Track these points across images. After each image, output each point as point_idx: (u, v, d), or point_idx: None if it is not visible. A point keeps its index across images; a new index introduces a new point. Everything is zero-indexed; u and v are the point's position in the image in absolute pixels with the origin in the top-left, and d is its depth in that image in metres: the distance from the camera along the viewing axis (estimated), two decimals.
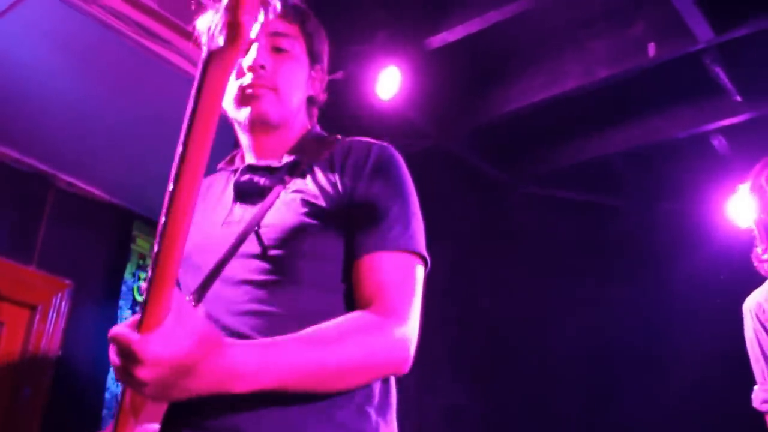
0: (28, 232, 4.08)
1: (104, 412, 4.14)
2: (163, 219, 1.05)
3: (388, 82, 3.94)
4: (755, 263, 2.64)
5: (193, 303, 1.41)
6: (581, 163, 4.93)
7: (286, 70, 1.59)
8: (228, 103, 1.58)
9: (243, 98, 1.56)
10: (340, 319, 1.34)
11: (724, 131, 4.58)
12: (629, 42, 4.02)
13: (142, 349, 1.07)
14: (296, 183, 1.49)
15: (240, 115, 1.57)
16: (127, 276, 4.45)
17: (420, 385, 4.30)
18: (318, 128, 1.70)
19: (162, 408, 1.34)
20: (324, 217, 1.43)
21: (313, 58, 1.67)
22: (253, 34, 1.04)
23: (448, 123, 4.62)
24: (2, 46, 3.25)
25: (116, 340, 1.11)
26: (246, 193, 1.54)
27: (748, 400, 2.58)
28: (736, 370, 2.79)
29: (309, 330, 1.29)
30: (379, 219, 1.44)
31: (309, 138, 1.64)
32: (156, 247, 1.06)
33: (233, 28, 1.01)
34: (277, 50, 1.59)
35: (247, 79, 1.55)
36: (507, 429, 5.20)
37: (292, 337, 1.27)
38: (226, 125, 1.47)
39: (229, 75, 1.05)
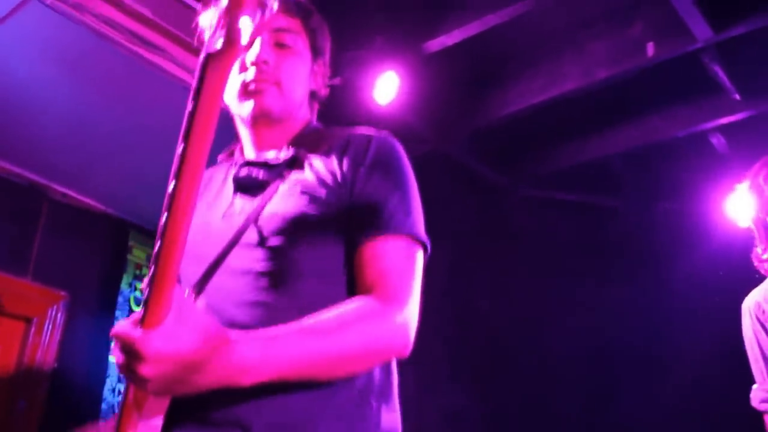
0: (23, 244, 4.06)
1: None
2: (164, 216, 1.07)
3: (386, 87, 3.93)
4: (755, 263, 2.63)
5: (194, 295, 1.43)
6: (580, 165, 4.92)
7: (288, 65, 1.60)
8: (231, 97, 1.60)
9: (246, 93, 1.57)
10: (342, 306, 1.35)
11: (723, 130, 4.57)
12: (628, 42, 4.00)
13: (144, 346, 1.10)
14: (296, 174, 1.51)
15: (243, 110, 1.59)
16: (124, 286, 4.42)
17: (419, 385, 4.27)
18: (315, 121, 1.72)
19: (165, 402, 1.34)
20: (324, 206, 1.45)
21: (316, 52, 1.69)
22: (250, 37, 1.06)
23: (447, 127, 4.61)
24: None
25: (119, 337, 1.14)
26: (246, 186, 1.55)
27: (748, 399, 2.57)
28: (735, 370, 2.76)
29: (311, 319, 1.30)
30: (380, 207, 1.45)
31: (308, 131, 1.66)
32: (157, 244, 1.08)
33: (231, 30, 1.04)
34: (280, 45, 1.61)
35: (250, 74, 1.56)
36: (507, 430, 5.19)
37: (295, 327, 1.28)
38: (226, 120, 1.50)
39: (227, 76, 1.08)
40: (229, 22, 1.03)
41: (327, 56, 1.74)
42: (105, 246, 4.45)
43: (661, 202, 5.21)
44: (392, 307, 1.36)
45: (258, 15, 1.06)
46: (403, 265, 1.43)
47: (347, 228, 1.45)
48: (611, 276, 5.46)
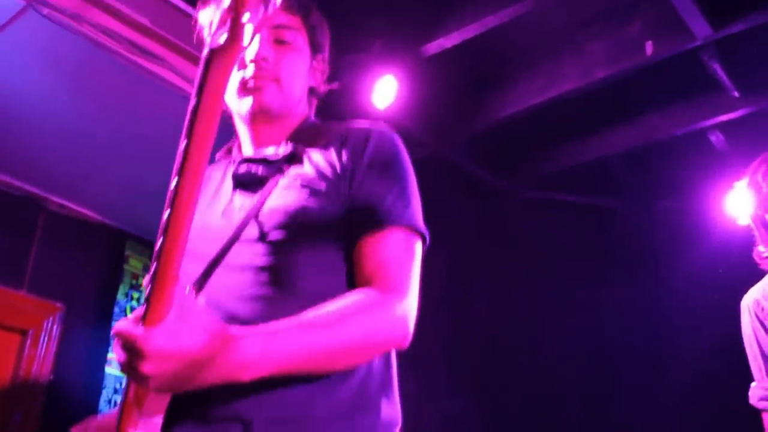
0: (19, 255, 4.02)
1: None
2: (166, 212, 1.08)
3: (385, 91, 3.92)
4: (757, 261, 2.62)
5: (195, 292, 1.43)
6: (579, 165, 4.92)
7: (288, 62, 1.61)
8: (230, 95, 1.60)
9: (245, 90, 1.58)
10: (341, 298, 1.36)
11: (722, 127, 4.56)
12: (627, 41, 4.00)
13: (145, 344, 1.10)
14: (295, 169, 1.52)
15: (242, 107, 1.59)
16: (120, 296, 4.38)
17: (418, 389, 4.26)
18: (313, 117, 1.73)
19: (165, 400, 1.33)
20: (325, 198, 1.46)
21: (315, 49, 1.70)
22: (253, 33, 1.06)
23: (445, 130, 4.59)
24: None
25: (120, 335, 1.14)
26: (245, 183, 1.56)
27: (747, 397, 2.57)
28: (735, 367, 2.77)
29: (310, 312, 1.31)
30: (380, 199, 1.46)
31: (306, 126, 1.66)
32: (159, 241, 1.09)
33: (235, 26, 1.04)
34: (280, 42, 1.61)
35: (250, 71, 1.57)
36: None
37: (294, 321, 1.29)
38: (223, 118, 1.48)
39: (230, 72, 1.08)
40: (233, 18, 1.03)
41: (326, 53, 1.75)
42: (102, 256, 4.40)
43: (661, 201, 5.21)
44: (392, 298, 1.37)
45: (261, 11, 1.06)
46: (402, 256, 1.44)
47: (347, 221, 1.46)
48: (611, 276, 5.47)
